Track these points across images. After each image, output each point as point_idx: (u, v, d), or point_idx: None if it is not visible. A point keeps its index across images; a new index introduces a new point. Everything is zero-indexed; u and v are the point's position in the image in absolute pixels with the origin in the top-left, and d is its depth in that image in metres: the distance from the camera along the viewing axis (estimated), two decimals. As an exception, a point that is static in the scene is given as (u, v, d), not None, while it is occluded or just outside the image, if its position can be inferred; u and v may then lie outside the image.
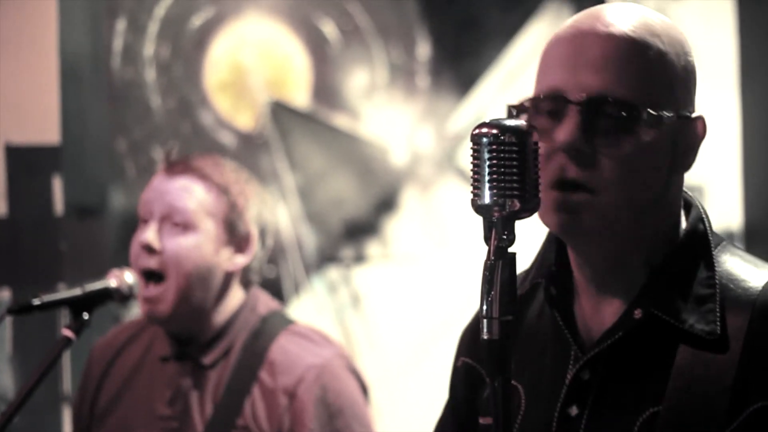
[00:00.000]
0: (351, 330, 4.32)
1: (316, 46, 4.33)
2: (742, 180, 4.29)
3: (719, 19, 4.32)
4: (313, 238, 4.31)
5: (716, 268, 1.68)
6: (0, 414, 2.45)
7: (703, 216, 1.72)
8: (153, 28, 4.26)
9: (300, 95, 4.33)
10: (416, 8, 4.36)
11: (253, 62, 4.32)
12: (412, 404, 4.21)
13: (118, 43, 4.23)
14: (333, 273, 4.34)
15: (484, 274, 1.51)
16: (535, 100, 1.66)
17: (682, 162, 1.68)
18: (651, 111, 1.62)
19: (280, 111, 4.32)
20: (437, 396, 1.94)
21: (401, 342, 4.31)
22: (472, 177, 1.53)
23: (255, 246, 2.80)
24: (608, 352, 1.67)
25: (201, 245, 2.73)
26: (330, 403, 2.71)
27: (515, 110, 1.67)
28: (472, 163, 1.53)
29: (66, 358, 4.00)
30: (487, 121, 1.54)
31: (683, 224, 1.71)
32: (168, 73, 4.27)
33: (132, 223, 2.84)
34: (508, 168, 1.52)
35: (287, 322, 2.83)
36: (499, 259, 1.51)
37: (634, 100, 1.62)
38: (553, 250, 1.75)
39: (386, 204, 4.33)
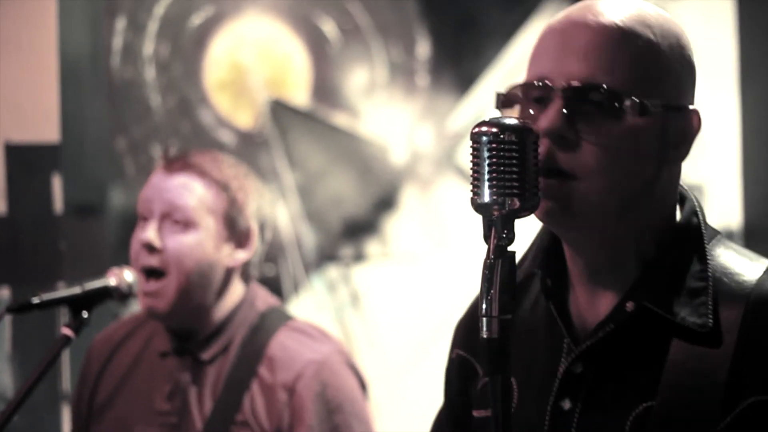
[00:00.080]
0: (350, 329, 4.32)
1: (316, 45, 4.33)
2: (742, 179, 4.29)
3: (719, 18, 4.32)
4: (312, 237, 4.31)
5: (710, 262, 1.67)
6: (-1, 413, 2.45)
7: (697, 209, 1.72)
8: (153, 27, 4.26)
9: (300, 94, 4.33)
10: (416, 7, 4.36)
11: (252, 61, 4.31)
12: (411, 403, 4.21)
13: (117, 42, 4.23)
14: (332, 272, 4.34)
15: (483, 273, 1.50)
16: (522, 87, 1.66)
17: (674, 153, 1.67)
18: (635, 99, 1.62)
19: (280, 110, 4.32)
20: (436, 395, 1.94)
21: (400, 341, 4.30)
22: (471, 176, 1.53)
23: (256, 241, 2.80)
24: (601, 345, 1.66)
25: (202, 243, 2.73)
26: (329, 398, 2.71)
27: (503, 97, 1.68)
28: (471, 161, 1.53)
29: (65, 357, 4.00)
30: (487, 119, 1.54)
31: (678, 218, 1.71)
32: (168, 72, 4.27)
33: (132, 222, 2.83)
34: (507, 166, 1.51)
35: (286, 317, 2.83)
36: (499, 258, 1.50)
37: (619, 87, 1.62)
38: (547, 240, 1.74)
39: (386, 203, 4.33)
